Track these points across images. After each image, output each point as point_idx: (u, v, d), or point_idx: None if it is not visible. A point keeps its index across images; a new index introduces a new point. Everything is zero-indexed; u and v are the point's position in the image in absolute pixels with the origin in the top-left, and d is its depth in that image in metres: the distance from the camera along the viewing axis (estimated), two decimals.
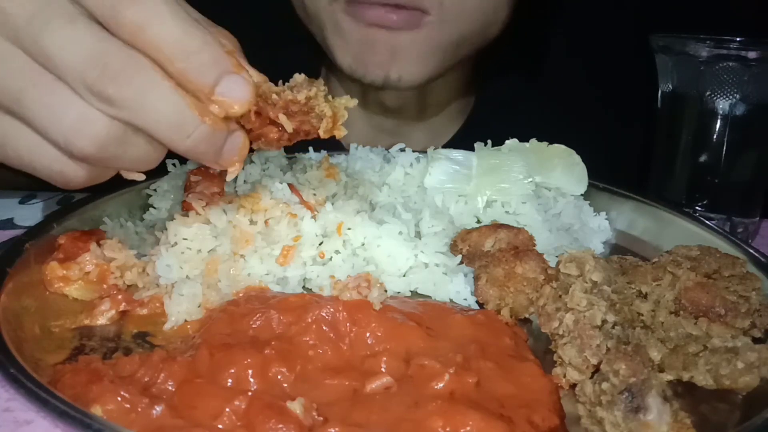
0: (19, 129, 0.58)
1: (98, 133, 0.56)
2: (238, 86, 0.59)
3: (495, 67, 1.32)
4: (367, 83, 1.14)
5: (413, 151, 1.05)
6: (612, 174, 1.08)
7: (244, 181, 0.94)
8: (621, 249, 1.00)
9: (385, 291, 0.78)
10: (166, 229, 0.85)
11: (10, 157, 0.59)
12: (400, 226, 0.88)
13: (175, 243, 0.84)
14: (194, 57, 0.56)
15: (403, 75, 1.11)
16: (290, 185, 0.91)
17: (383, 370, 0.66)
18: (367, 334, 0.71)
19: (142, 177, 0.62)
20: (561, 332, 0.69)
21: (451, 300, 0.84)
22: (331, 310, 0.72)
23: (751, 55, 0.97)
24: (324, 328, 0.70)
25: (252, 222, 0.87)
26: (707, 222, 0.96)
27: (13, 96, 0.56)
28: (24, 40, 0.55)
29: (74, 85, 0.55)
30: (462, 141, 1.03)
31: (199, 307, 0.78)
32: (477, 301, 0.82)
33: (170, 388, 0.63)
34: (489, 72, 1.35)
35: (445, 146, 1.06)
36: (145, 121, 0.56)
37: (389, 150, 1.08)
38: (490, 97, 1.38)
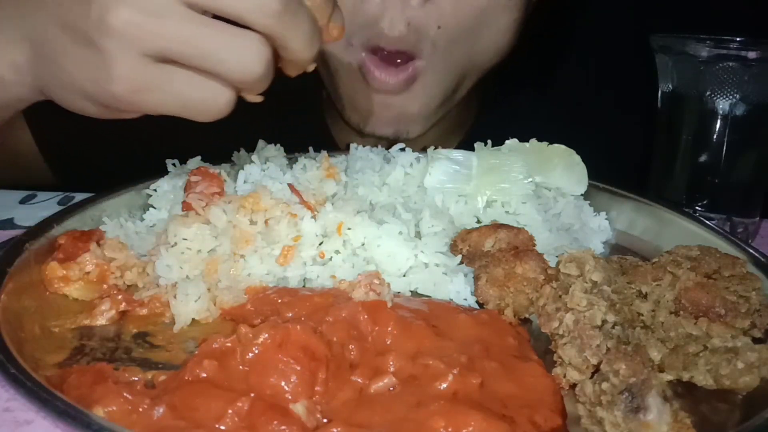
0: (177, 73, 0.69)
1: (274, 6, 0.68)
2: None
3: (502, 83, 1.33)
4: (377, 137, 1.22)
5: (413, 151, 1.05)
6: (612, 174, 1.08)
7: (244, 181, 0.94)
8: (621, 249, 1.00)
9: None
10: (166, 229, 0.85)
11: (158, 102, 0.71)
12: (400, 226, 0.88)
13: (175, 243, 0.84)
14: None
15: (411, 130, 1.20)
16: (290, 185, 0.91)
17: (391, 369, 0.66)
18: (386, 334, 0.71)
19: (260, 98, 0.74)
20: (561, 332, 0.69)
21: (451, 300, 0.84)
22: (352, 311, 0.71)
23: (751, 55, 0.97)
24: (350, 329, 0.70)
25: (252, 222, 0.87)
26: (707, 222, 0.96)
27: (186, 43, 0.68)
28: None
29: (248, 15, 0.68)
30: (466, 149, 1.04)
31: (207, 307, 0.78)
32: (477, 301, 0.82)
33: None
34: (495, 86, 1.35)
35: None
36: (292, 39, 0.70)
37: (389, 150, 1.08)
38: (494, 105, 1.38)
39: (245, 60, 0.69)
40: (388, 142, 1.21)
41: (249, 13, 0.68)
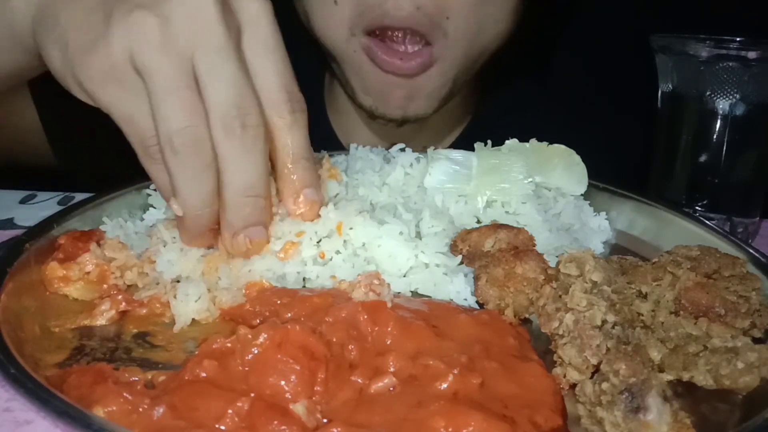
0: (137, 91, 0.71)
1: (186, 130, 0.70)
2: (315, 203, 0.82)
3: (501, 73, 1.33)
4: (387, 120, 1.22)
5: (413, 151, 1.05)
6: (612, 174, 1.08)
7: None
8: (621, 249, 0.99)
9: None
10: (166, 228, 0.85)
11: (112, 102, 0.73)
12: (401, 226, 0.88)
13: (174, 241, 0.84)
14: (307, 165, 0.80)
15: (419, 111, 1.20)
16: None
17: (391, 369, 0.66)
18: (386, 334, 0.71)
19: (180, 213, 0.76)
20: (561, 332, 0.69)
21: (451, 300, 0.84)
22: (351, 311, 0.71)
23: (751, 55, 0.97)
24: (349, 329, 0.70)
25: None
26: (707, 222, 0.96)
27: (159, 86, 0.69)
28: (196, 55, 0.70)
29: (211, 108, 0.70)
30: (465, 143, 1.04)
31: (207, 307, 0.78)
32: (477, 301, 0.82)
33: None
34: (494, 77, 1.35)
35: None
36: (233, 164, 0.72)
37: (389, 150, 1.08)
38: (494, 99, 1.39)
39: (168, 117, 0.70)
40: (397, 124, 1.23)
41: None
